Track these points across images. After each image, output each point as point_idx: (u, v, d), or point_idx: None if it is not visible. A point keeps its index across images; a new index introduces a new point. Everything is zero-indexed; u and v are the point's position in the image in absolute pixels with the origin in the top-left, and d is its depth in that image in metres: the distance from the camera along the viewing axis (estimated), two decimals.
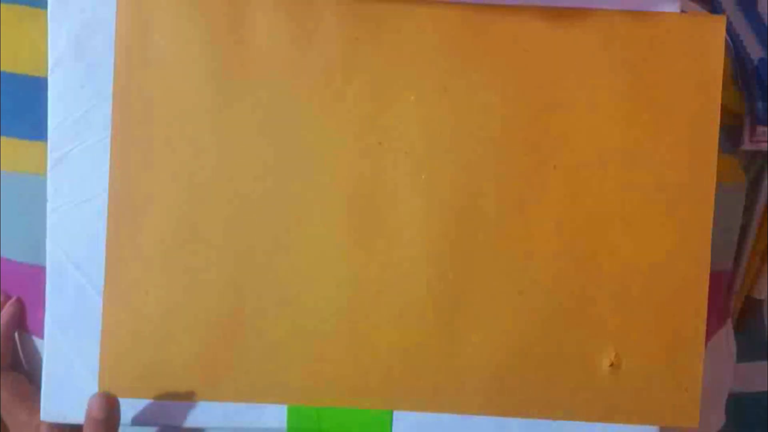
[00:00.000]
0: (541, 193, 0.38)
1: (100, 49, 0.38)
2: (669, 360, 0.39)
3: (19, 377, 0.40)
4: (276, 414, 0.39)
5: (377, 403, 0.38)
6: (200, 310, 0.38)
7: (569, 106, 0.38)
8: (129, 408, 0.39)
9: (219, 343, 0.38)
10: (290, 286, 0.38)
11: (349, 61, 0.38)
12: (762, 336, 0.50)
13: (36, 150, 0.38)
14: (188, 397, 0.39)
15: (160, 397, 0.38)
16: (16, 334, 0.41)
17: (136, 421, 0.39)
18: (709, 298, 0.39)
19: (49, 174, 0.38)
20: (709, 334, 0.40)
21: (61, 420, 0.39)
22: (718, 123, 0.38)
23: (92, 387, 0.39)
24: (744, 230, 0.44)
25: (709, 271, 0.39)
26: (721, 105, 0.38)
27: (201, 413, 0.39)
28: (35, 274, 0.39)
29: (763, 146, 0.42)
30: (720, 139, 0.38)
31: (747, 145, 0.42)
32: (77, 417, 0.39)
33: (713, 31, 0.38)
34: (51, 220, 0.38)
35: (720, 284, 0.43)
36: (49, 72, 0.38)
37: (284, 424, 0.39)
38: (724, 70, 0.38)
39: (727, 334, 0.45)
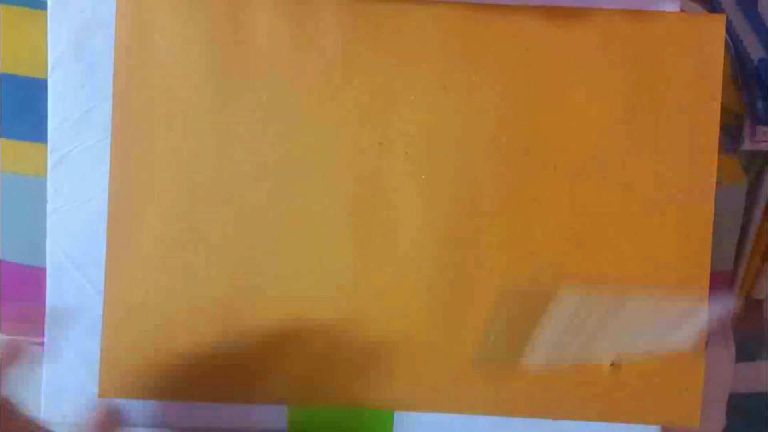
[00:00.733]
0: (541, 193, 0.38)
1: (100, 49, 0.38)
2: (669, 360, 0.39)
3: None
4: (276, 414, 0.39)
5: (378, 403, 0.38)
6: (200, 310, 0.38)
7: (569, 106, 0.38)
8: (129, 408, 0.39)
9: (218, 343, 0.38)
10: (290, 286, 0.38)
11: (349, 61, 0.38)
12: (762, 336, 0.50)
13: (36, 151, 0.38)
14: (188, 398, 0.39)
15: (159, 397, 0.38)
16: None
17: (136, 421, 0.39)
18: (709, 299, 0.39)
19: (49, 174, 0.38)
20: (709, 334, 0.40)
21: (60, 420, 0.39)
22: (719, 123, 0.38)
23: (92, 387, 0.39)
24: (744, 230, 0.44)
25: (709, 271, 0.39)
26: (721, 105, 0.38)
27: (201, 414, 0.39)
28: (36, 276, 0.39)
29: (763, 146, 0.42)
30: (720, 139, 0.38)
31: (747, 145, 0.42)
32: (77, 417, 0.39)
33: (713, 31, 0.38)
34: (51, 220, 0.38)
35: (720, 284, 0.43)
36: (48, 72, 0.38)
37: (284, 425, 0.39)
38: (724, 70, 0.38)
39: (726, 334, 0.45)
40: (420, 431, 0.39)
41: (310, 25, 0.38)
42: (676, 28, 0.38)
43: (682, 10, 0.38)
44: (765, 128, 0.41)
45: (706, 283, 0.39)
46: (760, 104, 0.41)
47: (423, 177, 0.38)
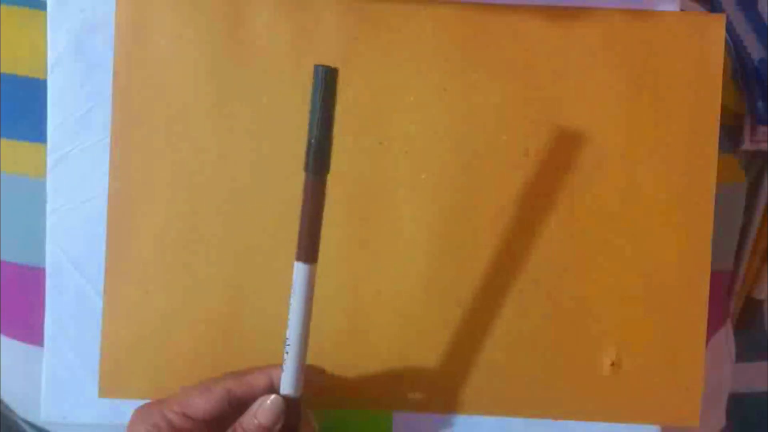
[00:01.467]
0: (542, 194, 0.38)
1: (100, 49, 0.38)
2: (670, 359, 0.39)
3: None
4: None
5: (377, 404, 0.37)
6: (200, 310, 0.38)
7: (569, 106, 0.38)
8: (129, 408, 0.39)
9: (219, 343, 0.38)
10: (290, 287, 0.38)
11: (349, 61, 0.38)
12: (762, 336, 0.50)
13: (36, 152, 0.38)
14: None
15: (159, 397, 0.38)
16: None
17: None
18: (710, 298, 0.39)
19: (48, 174, 0.38)
20: (710, 334, 0.40)
21: (60, 420, 0.39)
22: (719, 122, 0.38)
23: (92, 387, 0.39)
24: (744, 230, 0.44)
25: (709, 271, 0.39)
26: (722, 105, 0.38)
27: None
28: (36, 276, 0.39)
29: (764, 146, 0.42)
30: (720, 138, 0.38)
31: (747, 145, 0.42)
32: (77, 417, 0.39)
33: (713, 30, 0.38)
34: (50, 220, 0.38)
35: (720, 284, 0.43)
36: (48, 72, 0.38)
37: None
38: (725, 70, 0.38)
39: (727, 334, 0.45)
40: (419, 431, 0.39)
41: (309, 25, 0.38)
42: (677, 28, 0.38)
43: (682, 10, 0.38)
44: (765, 128, 0.41)
45: (706, 283, 0.39)
46: (760, 104, 0.41)
47: (423, 177, 0.38)
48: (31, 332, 0.39)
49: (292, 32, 0.38)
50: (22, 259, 0.39)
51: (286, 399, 0.33)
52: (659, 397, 0.39)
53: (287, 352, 0.32)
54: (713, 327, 0.43)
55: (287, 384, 0.33)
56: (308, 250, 0.32)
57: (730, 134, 0.41)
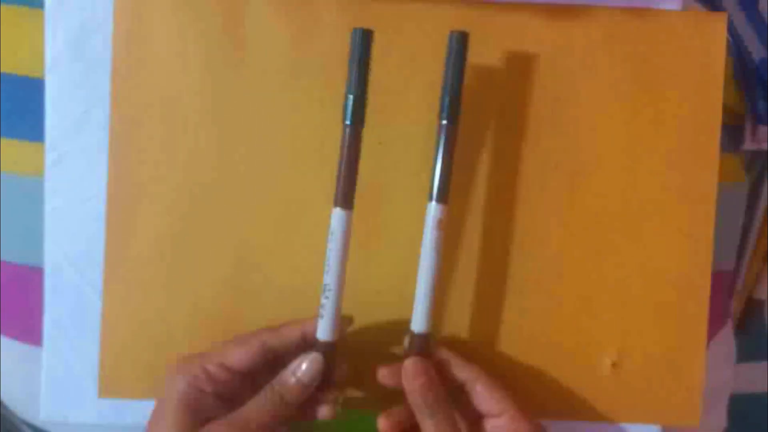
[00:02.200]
0: (542, 193, 0.38)
1: (98, 49, 0.38)
2: (670, 360, 0.39)
3: None
4: None
5: (378, 404, 0.37)
6: (199, 310, 0.38)
7: (570, 105, 0.38)
8: (129, 408, 0.39)
9: (218, 343, 0.38)
10: (289, 286, 0.38)
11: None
12: (763, 336, 0.50)
13: (36, 151, 0.38)
14: None
15: (159, 397, 0.38)
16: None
17: (136, 421, 0.39)
18: (711, 299, 0.39)
19: (47, 174, 0.38)
20: (711, 334, 0.40)
21: (60, 420, 0.39)
22: (720, 121, 0.38)
23: (92, 387, 0.38)
24: (745, 231, 0.44)
25: (710, 272, 0.39)
26: (723, 105, 0.38)
27: None
28: (35, 276, 0.39)
29: (764, 146, 0.42)
30: (721, 138, 0.38)
31: (748, 145, 0.42)
32: (77, 417, 0.39)
33: (715, 29, 0.38)
34: (49, 220, 0.38)
35: (721, 285, 0.43)
36: (46, 72, 0.38)
37: None
38: (726, 70, 0.38)
39: (728, 334, 0.45)
40: None
41: (309, 25, 0.38)
42: (678, 27, 0.38)
43: (684, 9, 0.38)
44: (766, 128, 0.41)
45: (707, 283, 0.39)
46: (761, 104, 0.41)
47: (423, 176, 0.38)
48: (31, 332, 0.39)
49: (292, 32, 0.38)
50: (22, 259, 0.39)
51: (324, 344, 0.34)
52: (660, 397, 0.39)
53: (327, 298, 0.34)
54: (714, 327, 0.43)
55: (325, 329, 0.35)
56: (345, 196, 0.35)
57: (731, 134, 0.41)
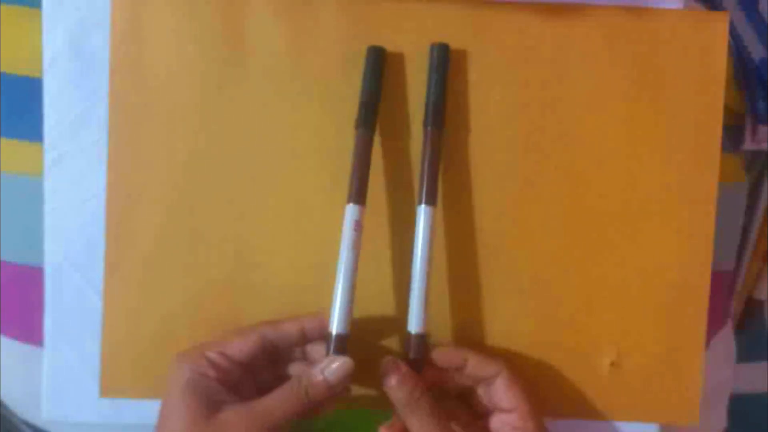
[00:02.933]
0: (542, 193, 0.38)
1: (96, 48, 0.38)
2: (670, 359, 0.39)
3: None
4: None
5: (378, 404, 0.37)
6: (199, 310, 0.38)
7: (571, 104, 0.38)
8: (129, 408, 0.39)
9: None
10: (289, 286, 0.38)
11: (349, 60, 0.38)
12: (762, 336, 0.50)
13: (36, 151, 0.38)
14: None
15: (159, 397, 0.38)
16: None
17: (137, 421, 0.39)
18: (711, 299, 0.39)
19: (46, 174, 0.38)
20: (710, 334, 0.40)
21: (61, 420, 0.39)
22: (721, 122, 0.38)
23: (92, 387, 0.38)
24: (745, 231, 0.44)
25: (710, 272, 0.39)
26: (723, 105, 0.38)
27: None
28: (35, 276, 0.39)
29: (764, 146, 0.42)
30: (721, 138, 0.38)
31: (748, 145, 0.42)
32: (78, 417, 0.39)
33: (716, 28, 0.38)
34: (49, 220, 0.38)
35: (721, 285, 0.43)
36: (44, 71, 0.38)
37: None
38: (726, 70, 0.38)
39: (728, 334, 0.45)
40: None
41: (309, 25, 0.38)
42: (679, 26, 0.38)
43: (685, 8, 0.38)
44: (766, 128, 0.41)
45: (707, 283, 0.39)
46: (761, 104, 0.41)
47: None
48: (31, 332, 0.39)
49: (292, 32, 0.38)
50: (22, 259, 0.39)
51: (337, 337, 0.34)
52: (659, 396, 0.39)
53: (337, 288, 0.35)
54: (714, 327, 0.43)
55: (339, 321, 0.35)
56: (358, 193, 0.36)
57: (731, 134, 0.41)
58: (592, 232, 0.38)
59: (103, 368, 0.38)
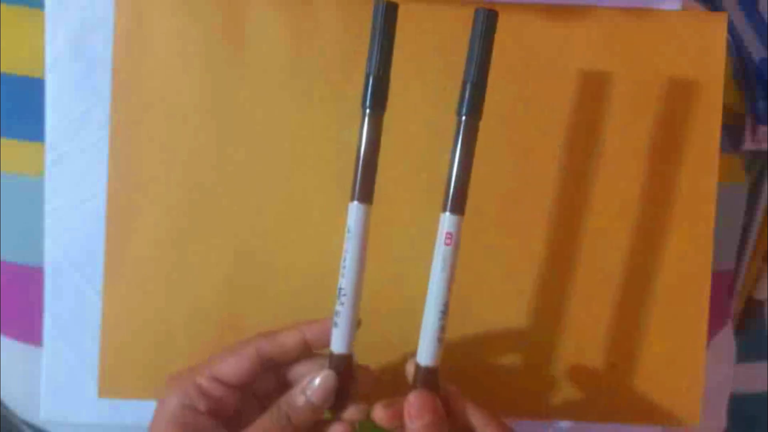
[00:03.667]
0: (542, 193, 0.38)
1: (99, 48, 0.38)
2: (670, 360, 0.39)
3: None
4: None
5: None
6: (199, 310, 0.38)
7: (570, 105, 0.38)
8: (129, 408, 0.39)
9: (218, 343, 0.38)
10: (290, 286, 0.38)
11: (349, 60, 0.38)
12: (763, 336, 0.50)
13: (36, 151, 0.38)
14: None
15: (159, 397, 0.38)
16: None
17: (136, 421, 0.39)
18: (711, 299, 0.39)
19: (47, 174, 0.38)
20: (710, 334, 0.40)
21: (60, 420, 0.39)
22: (720, 120, 0.38)
23: (92, 387, 0.38)
24: (745, 231, 0.44)
25: (710, 272, 0.39)
26: (723, 105, 0.38)
27: None
28: (35, 276, 0.39)
29: (764, 146, 0.42)
30: (721, 138, 0.38)
31: (748, 145, 0.42)
32: (77, 417, 0.39)
33: (715, 29, 0.38)
34: (49, 220, 0.38)
35: (721, 285, 0.43)
36: (46, 71, 0.38)
37: None
38: (726, 70, 0.38)
39: (727, 334, 0.45)
40: None
41: (309, 25, 0.38)
42: (678, 27, 0.38)
43: (683, 9, 0.38)
44: (766, 128, 0.41)
45: (707, 283, 0.39)
46: (761, 104, 0.41)
47: (423, 176, 0.38)
48: (31, 332, 0.39)
49: (292, 32, 0.38)
50: (22, 259, 0.39)
51: (339, 357, 0.31)
52: (660, 397, 0.39)
53: (342, 303, 0.31)
54: (714, 327, 0.43)
55: (340, 340, 0.31)
56: (363, 188, 0.31)
57: (731, 134, 0.41)
58: (591, 232, 0.38)
59: (102, 368, 0.38)
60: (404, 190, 0.38)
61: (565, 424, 0.39)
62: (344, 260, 0.31)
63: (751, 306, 0.48)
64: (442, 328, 0.31)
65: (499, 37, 0.38)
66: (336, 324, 0.31)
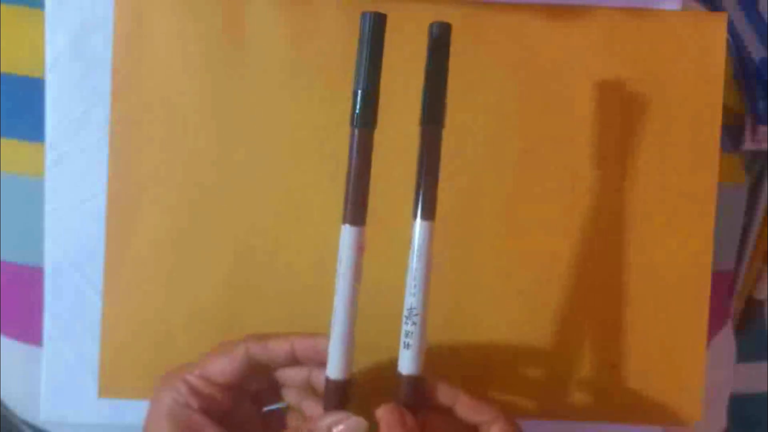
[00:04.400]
0: (542, 193, 0.38)
1: (99, 48, 0.38)
2: (670, 360, 0.39)
3: None
4: (276, 413, 0.39)
5: (377, 403, 0.37)
6: (199, 310, 0.38)
7: (570, 105, 0.38)
8: (129, 408, 0.39)
9: (218, 343, 0.38)
10: (290, 286, 0.38)
11: (349, 60, 0.37)
12: (763, 336, 0.50)
13: (36, 151, 0.38)
14: None
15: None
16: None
17: (136, 421, 0.39)
18: (710, 299, 0.39)
19: (47, 174, 0.38)
20: (710, 334, 0.40)
21: (60, 420, 0.39)
22: (720, 122, 0.38)
23: (92, 387, 0.38)
24: (745, 231, 0.44)
25: (710, 272, 0.39)
26: (723, 105, 0.38)
27: None
28: (35, 276, 0.39)
29: (764, 146, 0.42)
30: (721, 138, 0.38)
31: (748, 145, 0.42)
32: (77, 417, 0.39)
33: (714, 29, 0.38)
34: (49, 220, 0.38)
35: (721, 285, 0.43)
36: (46, 71, 0.38)
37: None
38: (725, 70, 0.38)
39: (727, 334, 0.45)
40: None
41: (309, 25, 0.38)
42: (678, 27, 0.38)
43: (683, 9, 0.38)
44: (766, 128, 0.41)
45: (707, 283, 0.39)
46: (761, 104, 0.41)
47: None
48: (31, 332, 0.39)
49: (292, 32, 0.38)
50: (22, 259, 0.39)
51: (334, 383, 0.30)
52: (660, 397, 0.39)
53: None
54: (714, 327, 0.43)
55: (335, 366, 0.30)
56: (355, 210, 0.30)
57: (731, 134, 0.41)
58: (591, 232, 0.38)
59: (102, 368, 0.38)
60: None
61: (565, 424, 0.39)
62: (338, 284, 0.30)
63: (751, 306, 0.48)
64: (408, 333, 0.31)
65: (499, 37, 0.38)
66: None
